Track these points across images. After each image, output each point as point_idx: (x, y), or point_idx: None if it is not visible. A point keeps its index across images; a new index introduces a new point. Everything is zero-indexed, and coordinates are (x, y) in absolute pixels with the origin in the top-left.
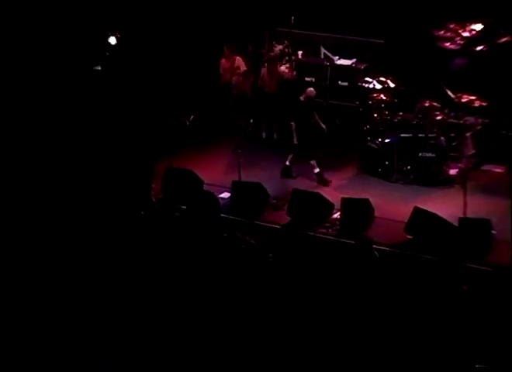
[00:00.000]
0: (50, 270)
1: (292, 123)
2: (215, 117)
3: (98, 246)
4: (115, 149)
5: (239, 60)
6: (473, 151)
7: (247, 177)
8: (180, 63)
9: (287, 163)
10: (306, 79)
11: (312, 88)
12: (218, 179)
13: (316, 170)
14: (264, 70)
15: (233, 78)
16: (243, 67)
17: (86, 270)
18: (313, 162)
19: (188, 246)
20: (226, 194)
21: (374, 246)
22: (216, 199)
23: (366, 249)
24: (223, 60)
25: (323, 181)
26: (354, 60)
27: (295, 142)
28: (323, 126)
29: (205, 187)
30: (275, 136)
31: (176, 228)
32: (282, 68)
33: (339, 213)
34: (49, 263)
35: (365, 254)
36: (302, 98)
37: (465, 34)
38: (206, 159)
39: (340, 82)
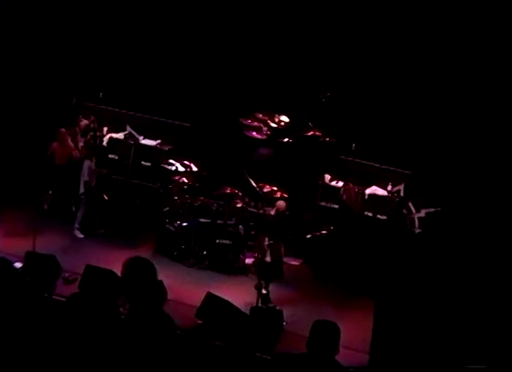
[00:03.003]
0: None
1: (266, 239)
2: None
3: None
4: None
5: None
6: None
7: (43, 248)
8: None
9: (264, 291)
10: (110, 156)
11: (282, 201)
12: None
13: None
14: (56, 144)
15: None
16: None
17: None
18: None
19: None
20: (17, 264)
21: None
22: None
23: None
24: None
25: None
26: (159, 141)
27: (268, 260)
28: None
29: None
30: (73, 209)
31: None
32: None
33: None
34: None
35: None
36: (272, 212)
37: (273, 125)
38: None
39: (143, 162)
